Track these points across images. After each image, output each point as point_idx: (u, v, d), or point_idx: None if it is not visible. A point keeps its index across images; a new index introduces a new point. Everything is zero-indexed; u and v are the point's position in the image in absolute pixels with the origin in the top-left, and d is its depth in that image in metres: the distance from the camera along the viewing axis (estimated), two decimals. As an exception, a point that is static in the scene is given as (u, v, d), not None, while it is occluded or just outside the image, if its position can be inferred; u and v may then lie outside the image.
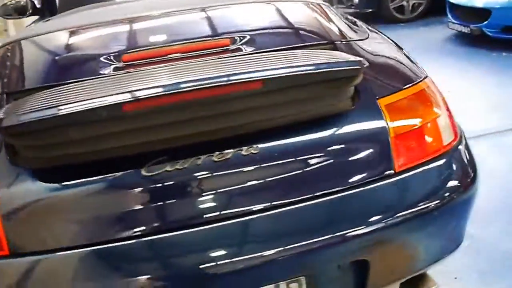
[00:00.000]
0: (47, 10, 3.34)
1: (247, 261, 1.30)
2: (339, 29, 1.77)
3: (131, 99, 1.19)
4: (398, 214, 1.38)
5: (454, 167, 1.50)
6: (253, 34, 1.68)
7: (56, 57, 1.74)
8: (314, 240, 1.32)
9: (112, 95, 1.21)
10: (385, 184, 1.37)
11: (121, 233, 1.28)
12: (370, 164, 1.39)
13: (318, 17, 1.84)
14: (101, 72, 1.54)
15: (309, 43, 1.62)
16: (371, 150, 1.41)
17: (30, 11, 3.35)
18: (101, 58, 1.60)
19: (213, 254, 1.29)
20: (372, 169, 1.38)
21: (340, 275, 1.44)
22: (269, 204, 1.32)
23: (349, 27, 1.86)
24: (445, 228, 1.51)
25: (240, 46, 1.57)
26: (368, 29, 1.95)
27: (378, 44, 1.81)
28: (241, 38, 1.61)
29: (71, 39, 1.81)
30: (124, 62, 1.55)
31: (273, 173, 1.35)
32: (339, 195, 1.35)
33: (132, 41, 1.76)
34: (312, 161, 1.37)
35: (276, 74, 1.25)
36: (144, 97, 1.20)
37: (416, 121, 1.45)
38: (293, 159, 1.37)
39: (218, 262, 1.28)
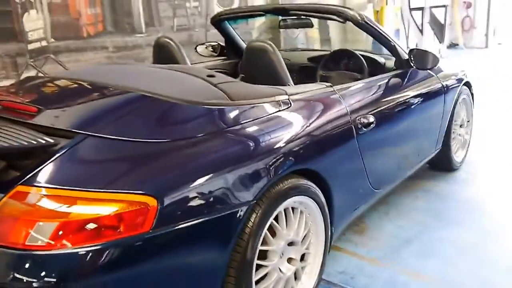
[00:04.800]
0: (231, 53, 3.83)
1: None
2: (171, 129, 1.79)
3: None
4: None
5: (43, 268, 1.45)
6: (66, 112, 1.86)
7: None
8: None
9: None
10: None
11: None
12: None
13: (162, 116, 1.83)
14: None
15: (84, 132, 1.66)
16: None
17: (218, 52, 3.86)
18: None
19: None
20: None
21: None
22: None
23: (181, 127, 1.82)
24: None
25: (38, 117, 1.77)
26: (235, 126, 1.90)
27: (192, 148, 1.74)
28: (53, 112, 1.82)
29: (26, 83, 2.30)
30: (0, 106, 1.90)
31: None
32: None
33: (25, 94, 2.15)
34: None
35: None
36: None
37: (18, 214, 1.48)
38: None
39: None
